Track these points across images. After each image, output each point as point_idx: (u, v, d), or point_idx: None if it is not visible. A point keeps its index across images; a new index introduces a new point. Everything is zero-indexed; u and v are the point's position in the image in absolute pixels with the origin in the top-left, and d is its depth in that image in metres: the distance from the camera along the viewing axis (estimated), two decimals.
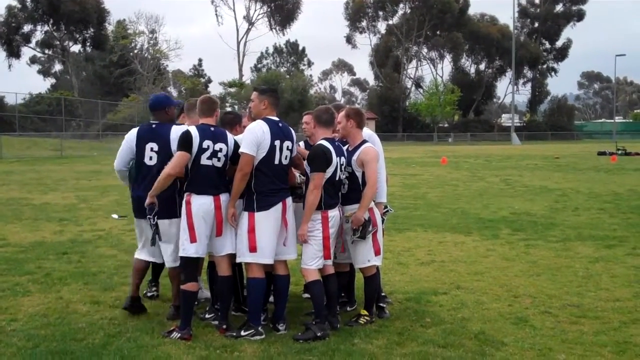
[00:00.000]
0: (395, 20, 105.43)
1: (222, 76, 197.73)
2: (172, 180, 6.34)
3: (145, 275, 7.35)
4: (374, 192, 6.64)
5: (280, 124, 6.46)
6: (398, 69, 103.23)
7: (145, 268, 7.23)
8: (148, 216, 6.48)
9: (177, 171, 6.29)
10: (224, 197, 6.40)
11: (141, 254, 7.09)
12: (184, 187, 6.43)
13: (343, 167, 6.61)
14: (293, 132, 6.64)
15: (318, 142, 6.51)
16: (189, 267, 6.43)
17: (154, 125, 6.90)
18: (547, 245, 11.09)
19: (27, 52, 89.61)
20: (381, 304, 7.15)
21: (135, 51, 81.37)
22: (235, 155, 6.39)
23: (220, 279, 6.54)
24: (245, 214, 6.34)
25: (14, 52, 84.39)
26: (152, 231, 6.52)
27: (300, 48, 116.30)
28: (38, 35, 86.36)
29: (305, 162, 6.57)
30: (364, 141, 6.84)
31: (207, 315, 6.95)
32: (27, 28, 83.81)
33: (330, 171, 6.40)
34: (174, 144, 6.58)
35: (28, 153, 43.51)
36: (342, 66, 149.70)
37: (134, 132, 6.95)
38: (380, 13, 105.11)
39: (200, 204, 6.31)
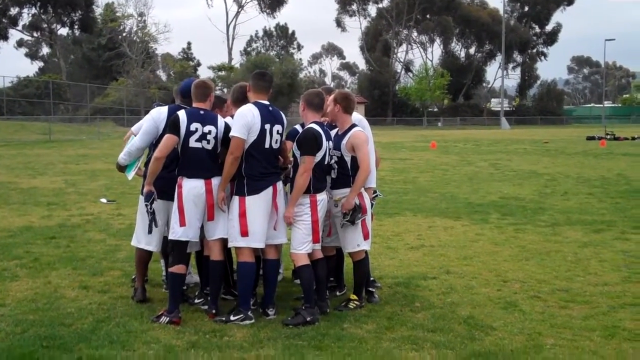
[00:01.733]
0: (385, 3, 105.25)
1: (212, 60, 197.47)
2: (162, 164, 6.31)
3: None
4: (367, 175, 6.62)
5: (270, 108, 6.43)
6: (388, 52, 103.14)
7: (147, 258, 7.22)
8: (145, 203, 6.44)
9: (164, 154, 6.27)
10: (215, 181, 6.37)
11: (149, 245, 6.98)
12: (176, 171, 6.41)
13: (330, 151, 6.59)
14: (284, 116, 6.60)
15: (308, 126, 6.48)
16: (177, 249, 6.43)
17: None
18: (536, 229, 11.12)
19: (14, 35, 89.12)
20: (370, 289, 7.15)
21: (124, 34, 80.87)
22: (225, 139, 6.36)
23: (212, 263, 6.52)
24: (236, 199, 6.32)
25: (1, 35, 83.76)
26: (149, 219, 6.48)
27: (290, 31, 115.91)
28: (25, 18, 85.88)
29: (294, 145, 6.52)
30: (353, 125, 6.81)
31: (196, 300, 6.94)
32: (14, 11, 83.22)
33: (320, 155, 6.38)
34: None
35: (16, 137, 43.24)
36: (332, 50, 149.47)
37: (163, 112, 6.75)
38: None
39: (191, 188, 6.30)
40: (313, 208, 6.42)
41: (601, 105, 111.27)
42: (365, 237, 6.79)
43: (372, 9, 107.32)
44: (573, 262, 8.78)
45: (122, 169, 7.30)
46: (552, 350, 5.64)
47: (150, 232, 6.62)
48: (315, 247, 6.53)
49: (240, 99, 6.68)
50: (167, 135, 6.32)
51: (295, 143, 6.47)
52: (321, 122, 6.61)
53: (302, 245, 6.42)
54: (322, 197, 6.51)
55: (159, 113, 6.78)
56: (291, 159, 6.76)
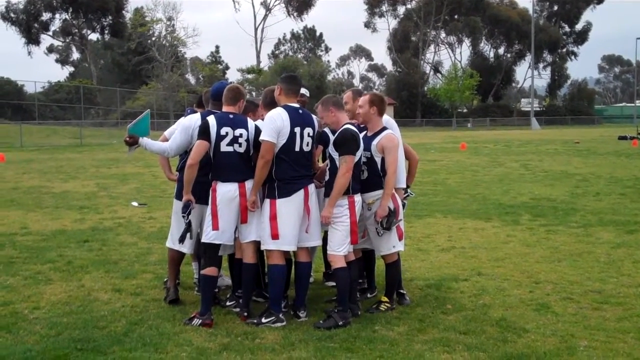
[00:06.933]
0: (412, 4, 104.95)
1: (240, 63, 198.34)
2: (196, 170, 6.34)
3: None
4: (394, 180, 6.62)
5: (300, 111, 6.44)
6: (416, 54, 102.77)
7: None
8: (182, 214, 6.50)
9: (197, 160, 6.31)
10: (249, 184, 6.40)
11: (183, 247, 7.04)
12: (210, 175, 6.46)
13: (362, 152, 6.59)
14: (315, 118, 6.61)
15: (345, 126, 6.47)
16: (209, 252, 6.48)
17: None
18: (568, 230, 11.02)
19: (44, 40, 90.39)
20: (402, 291, 7.13)
21: (153, 39, 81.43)
22: (257, 142, 6.39)
23: (245, 266, 6.55)
24: (267, 202, 6.35)
25: (33, 40, 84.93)
26: (184, 229, 6.54)
27: (318, 34, 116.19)
28: (56, 24, 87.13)
29: (330, 147, 6.50)
30: (384, 128, 6.80)
31: (228, 303, 6.97)
32: (45, 16, 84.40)
33: (358, 155, 6.39)
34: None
35: (47, 141, 43.81)
36: (360, 51, 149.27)
37: (197, 120, 6.78)
38: None
39: (225, 192, 6.35)
40: (351, 209, 6.40)
41: (633, 105, 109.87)
42: (400, 237, 6.79)
43: (402, 10, 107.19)
44: (606, 264, 8.69)
45: (130, 144, 6.99)
46: (586, 352, 5.58)
47: (182, 242, 6.68)
48: (350, 249, 6.54)
49: (271, 103, 6.69)
50: (197, 141, 6.38)
51: (332, 145, 6.46)
52: (353, 122, 6.62)
53: (340, 247, 6.41)
54: (358, 198, 6.50)
55: (192, 121, 6.84)
56: (319, 164, 6.77)
